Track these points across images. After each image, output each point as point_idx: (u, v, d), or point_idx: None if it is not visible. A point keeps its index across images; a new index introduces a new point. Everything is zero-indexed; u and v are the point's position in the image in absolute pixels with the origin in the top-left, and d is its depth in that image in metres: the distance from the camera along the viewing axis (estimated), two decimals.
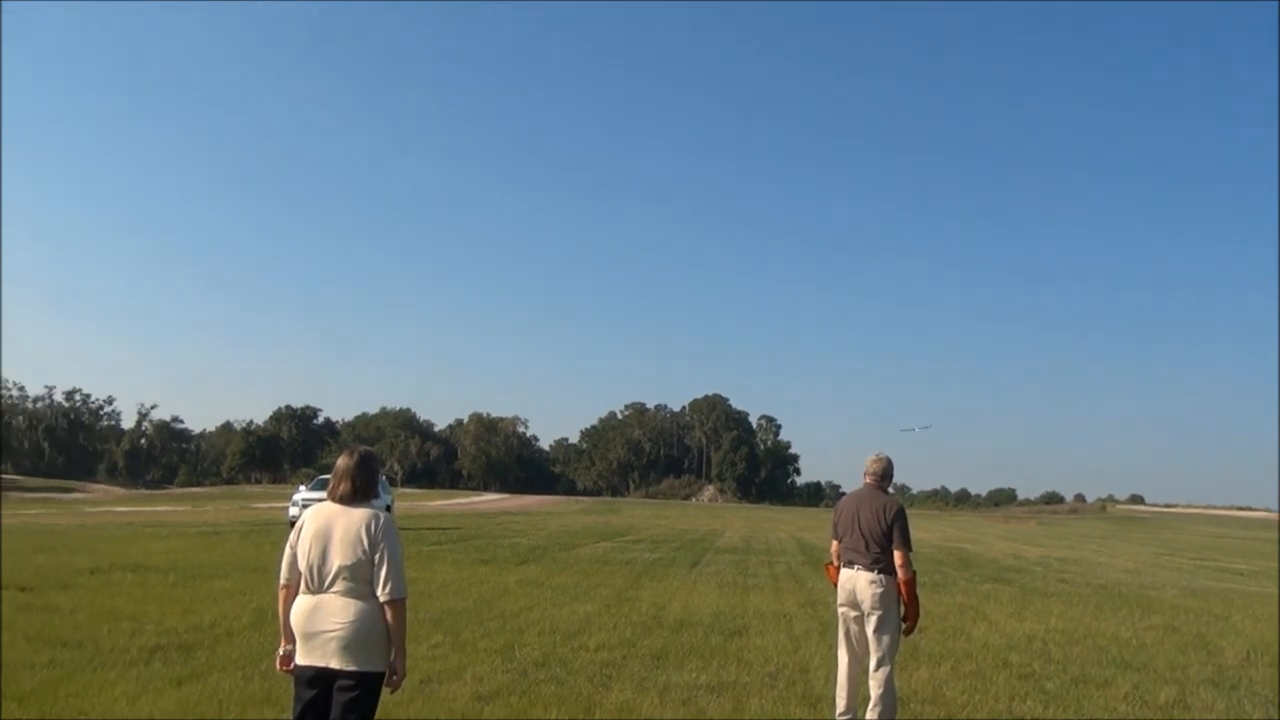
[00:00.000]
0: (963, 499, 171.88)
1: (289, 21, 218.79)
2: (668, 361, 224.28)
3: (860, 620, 6.61)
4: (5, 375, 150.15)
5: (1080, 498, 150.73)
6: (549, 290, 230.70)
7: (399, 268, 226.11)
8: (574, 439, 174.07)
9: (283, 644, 4.38)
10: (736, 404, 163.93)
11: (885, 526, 6.49)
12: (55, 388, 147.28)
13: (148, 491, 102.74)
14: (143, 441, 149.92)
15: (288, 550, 4.36)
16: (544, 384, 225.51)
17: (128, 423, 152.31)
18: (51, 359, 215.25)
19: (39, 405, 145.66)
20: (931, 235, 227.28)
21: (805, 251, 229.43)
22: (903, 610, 6.55)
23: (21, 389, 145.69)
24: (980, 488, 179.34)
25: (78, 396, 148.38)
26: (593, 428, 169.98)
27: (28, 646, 8.41)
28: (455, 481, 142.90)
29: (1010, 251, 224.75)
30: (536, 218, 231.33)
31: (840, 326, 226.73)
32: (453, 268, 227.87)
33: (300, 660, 4.24)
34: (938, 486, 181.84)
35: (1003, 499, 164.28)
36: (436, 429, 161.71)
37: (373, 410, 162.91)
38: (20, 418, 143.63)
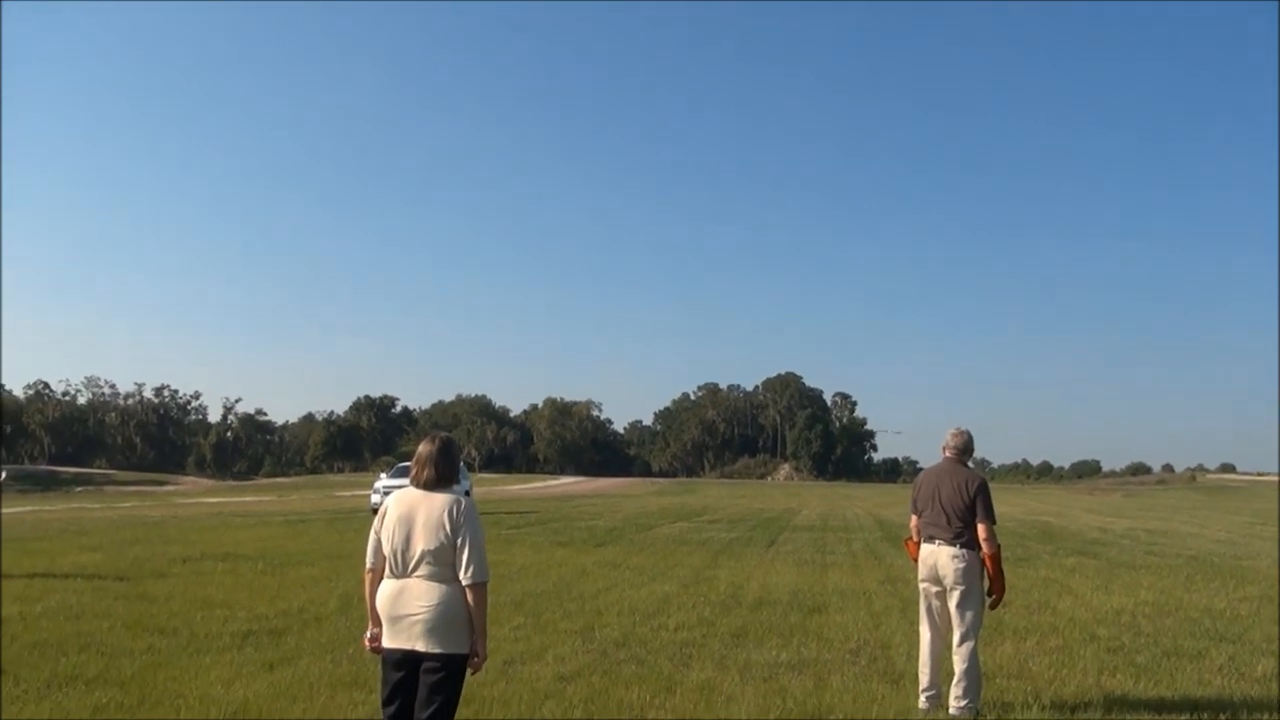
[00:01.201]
0: (1045, 472, 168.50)
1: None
2: (740, 341, 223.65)
3: (942, 595, 6.54)
4: (98, 375, 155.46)
5: (1168, 468, 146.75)
6: (619, 273, 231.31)
7: (470, 256, 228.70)
8: (648, 421, 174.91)
9: (370, 627, 4.48)
10: (811, 382, 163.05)
11: (967, 500, 6.40)
12: (144, 385, 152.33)
13: (235, 482, 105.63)
14: (229, 434, 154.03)
15: (372, 536, 4.44)
16: (617, 367, 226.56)
17: (214, 416, 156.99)
18: (139, 358, 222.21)
19: (130, 402, 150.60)
20: (1005, 202, 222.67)
21: (874, 225, 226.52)
22: (988, 584, 6.46)
23: (113, 386, 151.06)
24: (1063, 460, 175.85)
25: (166, 392, 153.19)
26: (666, 409, 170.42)
27: (126, 633, 8.73)
28: (531, 466, 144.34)
29: (1087, 213, 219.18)
30: (605, 202, 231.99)
31: (915, 300, 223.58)
32: (523, 254, 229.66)
33: (387, 643, 4.33)
34: (1019, 459, 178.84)
35: (1087, 471, 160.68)
36: (512, 414, 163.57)
37: (449, 398, 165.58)
38: (113, 414, 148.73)
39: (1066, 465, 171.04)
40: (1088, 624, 10.14)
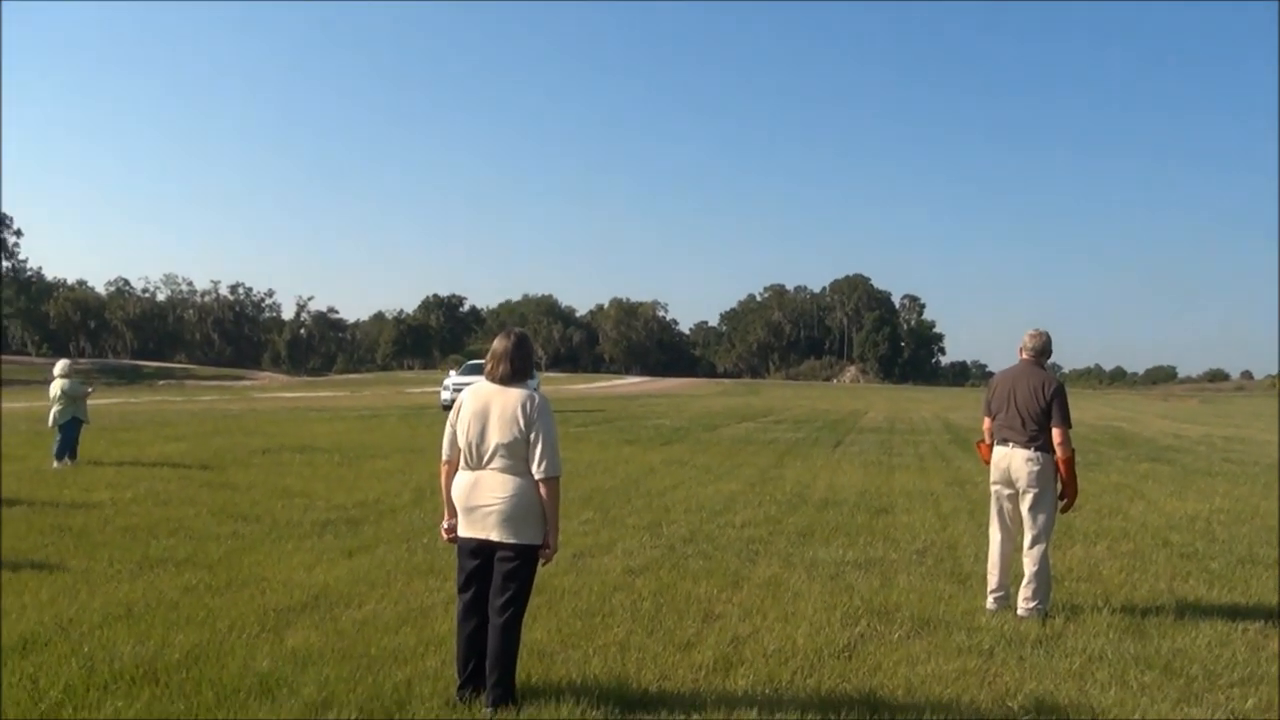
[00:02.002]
0: (1118, 377, 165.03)
1: None
2: (808, 242, 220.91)
3: (1014, 498, 6.48)
4: (176, 273, 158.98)
5: (1247, 375, 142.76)
6: (687, 173, 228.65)
7: (540, 157, 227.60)
8: (713, 322, 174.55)
9: (446, 517, 4.58)
10: (879, 284, 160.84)
11: (1044, 403, 6.28)
12: (220, 282, 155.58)
13: (309, 378, 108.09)
14: (302, 331, 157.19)
15: (448, 429, 4.50)
16: (683, 267, 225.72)
17: (288, 314, 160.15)
18: (216, 255, 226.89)
19: (206, 299, 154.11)
20: (1070, 97, 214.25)
21: (942, 121, 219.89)
22: (1060, 488, 6.39)
23: (190, 284, 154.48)
24: (1137, 365, 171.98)
25: (241, 290, 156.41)
26: (732, 310, 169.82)
27: (212, 519, 9.08)
28: (597, 365, 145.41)
29: (1155, 119, 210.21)
30: (675, 105, 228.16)
31: (983, 201, 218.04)
32: (592, 155, 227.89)
33: (462, 532, 4.43)
34: (1091, 364, 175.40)
35: (1161, 377, 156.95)
36: (578, 314, 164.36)
37: (516, 297, 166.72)
38: (191, 311, 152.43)
39: (1140, 371, 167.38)
40: (1160, 530, 10.02)
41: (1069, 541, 9.03)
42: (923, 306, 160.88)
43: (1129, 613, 6.39)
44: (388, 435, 20.06)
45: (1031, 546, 6.34)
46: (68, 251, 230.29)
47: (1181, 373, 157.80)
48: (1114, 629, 5.97)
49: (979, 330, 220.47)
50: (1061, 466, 6.30)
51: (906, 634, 5.79)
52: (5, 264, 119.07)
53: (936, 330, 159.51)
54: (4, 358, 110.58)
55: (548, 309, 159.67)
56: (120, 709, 4.22)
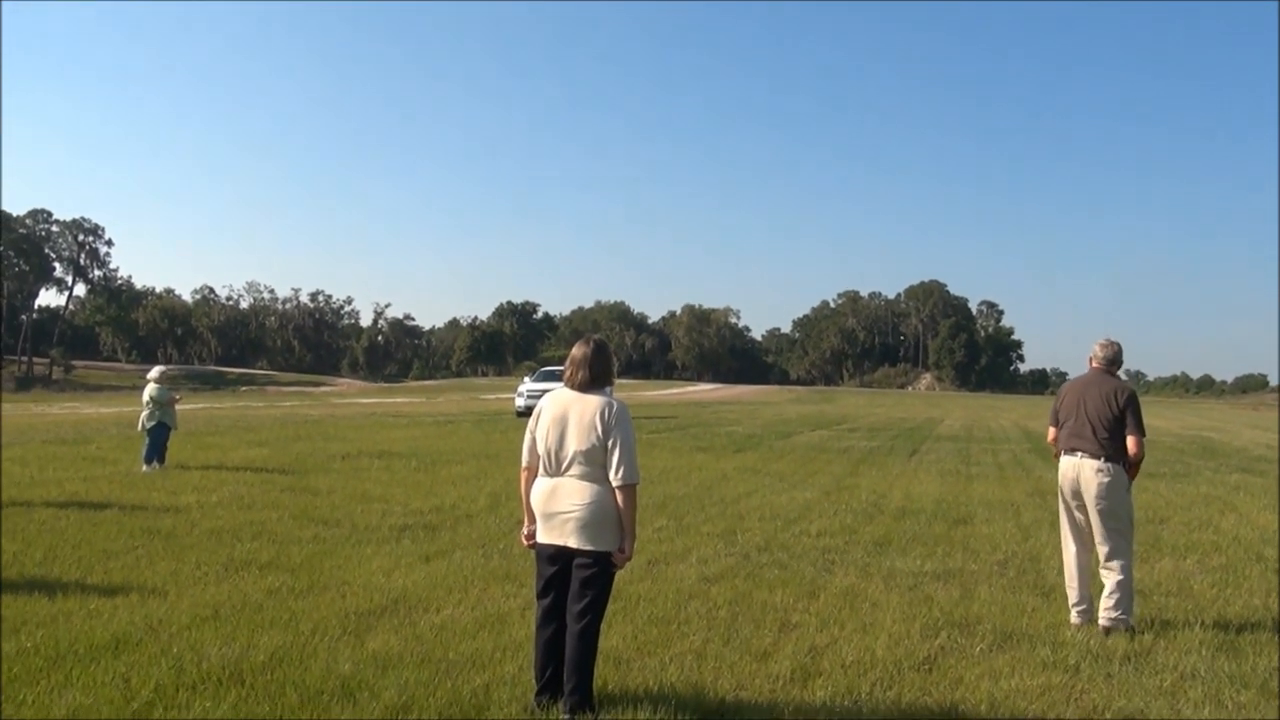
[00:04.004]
0: (1205, 386, 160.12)
1: None
2: (883, 248, 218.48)
3: (1084, 510, 6.30)
4: (258, 280, 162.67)
5: None
6: (758, 180, 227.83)
7: (609, 166, 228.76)
8: (786, 328, 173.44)
9: (526, 523, 4.61)
10: (955, 290, 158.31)
11: (1116, 412, 6.11)
12: (300, 290, 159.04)
13: (386, 385, 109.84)
14: (380, 338, 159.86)
15: (528, 435, 4.54)
16: (756, 273, 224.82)
17: (365, 321, 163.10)
18: (297, 263, 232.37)
19: (288, 307, 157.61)
20: (1161, 101, 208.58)
21: (1019, 126, 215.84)
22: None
23: (272, 292, 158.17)
24: (1226, 374, 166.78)
25: (320, 297, 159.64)
26: (805, 317, 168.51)
27: (294, 523, 9.26)
28: (669, 372, 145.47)
29: (1243, 117, 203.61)
30: (745, 112, 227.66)
31: (1063, 205, 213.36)
32: (662, 162, 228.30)
33: (541, 539, 4.46)
34: (1177, 373, 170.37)
35: (1252, 385, 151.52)
36: (650, 321, 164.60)
37: (588, 304, 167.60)
38: (272, 318, 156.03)
39: (1230, 379, 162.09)
40: (1253, 544, 9.67)
41: (1157, 555, 8.76)
42: (1001, 313, 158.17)
43: (1222, 629, 6.18)
44: (463, 441, 20.29)
45: (1110, 559, 6.14)
46: (156, 260, 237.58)
47: (1274, 381, 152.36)
48: (1206, 646, 5.78)
49: (1060, 337, 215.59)
50: (1133, 468, 6.19)
51: (988, 647, 5.67)
52: (97, 273, 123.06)
53: (1015, 337, 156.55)
54: (96, 364, 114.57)
55: (620, 315, 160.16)
56: (208, 709, 4.32)
